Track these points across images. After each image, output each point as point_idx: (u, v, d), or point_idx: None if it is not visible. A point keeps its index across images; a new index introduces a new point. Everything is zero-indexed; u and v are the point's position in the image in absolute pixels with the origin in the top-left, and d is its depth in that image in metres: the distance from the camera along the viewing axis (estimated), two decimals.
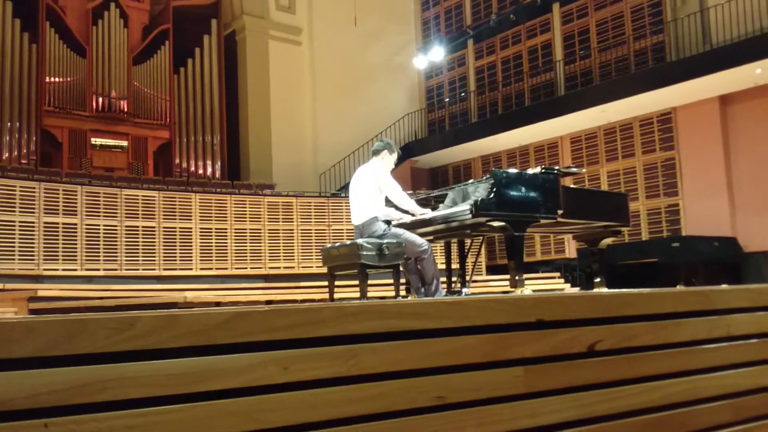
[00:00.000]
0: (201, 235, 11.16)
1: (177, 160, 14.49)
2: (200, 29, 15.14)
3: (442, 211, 4.81)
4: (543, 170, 4.60)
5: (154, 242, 10.72)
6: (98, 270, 10.13)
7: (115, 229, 10.41)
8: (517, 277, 4.48)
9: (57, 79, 13.25)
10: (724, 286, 2.38)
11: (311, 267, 11.75)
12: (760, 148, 11.37)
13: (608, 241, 5.45)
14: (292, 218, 11.98)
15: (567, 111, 13.11)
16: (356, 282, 4.74)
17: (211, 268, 11.13)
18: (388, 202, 4.91)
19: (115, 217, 10.45)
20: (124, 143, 14.00)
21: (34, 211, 9.76)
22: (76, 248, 10.02)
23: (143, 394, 1.28)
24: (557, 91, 14.31)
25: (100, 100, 13.56)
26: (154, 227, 10.77)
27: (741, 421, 2.18)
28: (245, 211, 11.64)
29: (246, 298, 9.19)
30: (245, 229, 11.57)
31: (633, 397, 1.95)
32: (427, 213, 4.85)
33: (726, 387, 2.17)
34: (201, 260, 11.09)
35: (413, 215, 4.93)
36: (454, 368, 1.66)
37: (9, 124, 12.66)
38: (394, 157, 5.07)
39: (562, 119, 13.33)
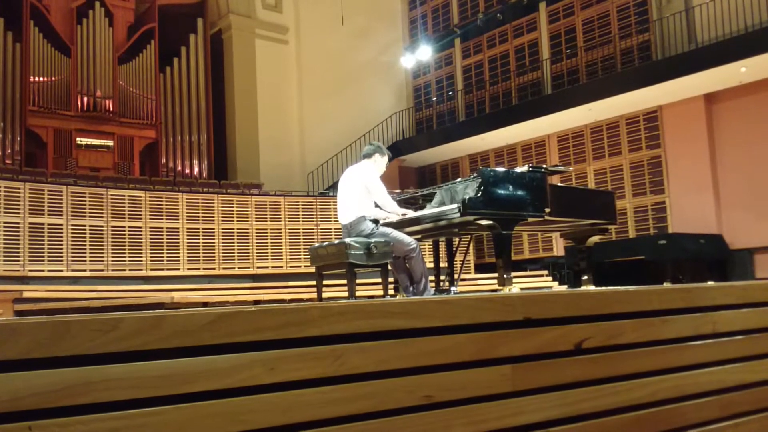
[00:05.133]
0: (188, 235, 11.10)
1: (163, 160, 14.40)
2: (186, 28, 15.06)
3: (429, 210, 4.81)
4: (530, 169, 4.61)
5: (140, 242, 10.66)
6: (84, 271, 10.05)
7: (101, 230, 10.34)
8: (505, 276, 4.49)
9: (41, 79, 13.12)
10: (710, 283, 2.40)
11: (299, 266, 11.72)
12: (745, 145, 11.47)
13: (595, 238, 5.47)
14: (280, 218, 11.95)
15: (554, 110, 13.16)
16: (344, 281, 4.74)
17: (198, 269, 11.08)
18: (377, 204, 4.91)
19: (101, 217, 10.37)
20: (110, 143, 13.90)
21: (19, 211, 9.68)
22: (61, 249, 9.94)
23: (128, 396, 1.26)
24: (544, 89, 14.35)
25: (86, 99, 13.45)
26: (140, 227, 10.71)
27: (727, 417, 2.19)
28: (232, 210, 11.59)
29: (234, 298, 9.16)
30: (232, 229, 11.52)
31: (620, 394, 1.96)
32: (408, 212, 4.85)
33: (712, 383, 2.19)
34: (188, 260, 11.03)
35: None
36: (442, 367, 1.66)
37: None
38: (385, 160, 5.05)
39: (549, 118, 13.38)
